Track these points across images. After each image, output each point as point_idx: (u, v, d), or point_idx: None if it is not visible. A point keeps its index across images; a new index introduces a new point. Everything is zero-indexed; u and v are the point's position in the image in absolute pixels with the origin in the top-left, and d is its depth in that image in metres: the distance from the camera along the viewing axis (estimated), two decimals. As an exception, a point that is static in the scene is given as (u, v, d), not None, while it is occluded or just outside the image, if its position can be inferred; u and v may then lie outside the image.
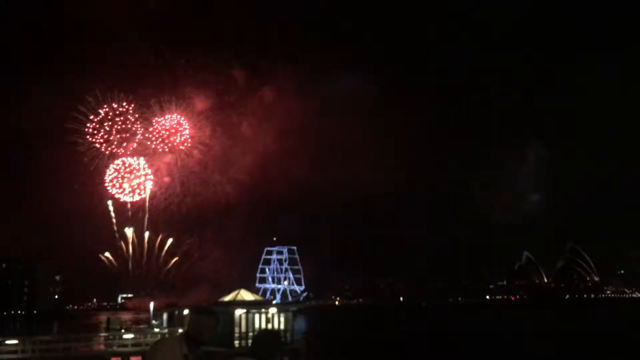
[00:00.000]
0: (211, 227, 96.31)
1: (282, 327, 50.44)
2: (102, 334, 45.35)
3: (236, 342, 45.06)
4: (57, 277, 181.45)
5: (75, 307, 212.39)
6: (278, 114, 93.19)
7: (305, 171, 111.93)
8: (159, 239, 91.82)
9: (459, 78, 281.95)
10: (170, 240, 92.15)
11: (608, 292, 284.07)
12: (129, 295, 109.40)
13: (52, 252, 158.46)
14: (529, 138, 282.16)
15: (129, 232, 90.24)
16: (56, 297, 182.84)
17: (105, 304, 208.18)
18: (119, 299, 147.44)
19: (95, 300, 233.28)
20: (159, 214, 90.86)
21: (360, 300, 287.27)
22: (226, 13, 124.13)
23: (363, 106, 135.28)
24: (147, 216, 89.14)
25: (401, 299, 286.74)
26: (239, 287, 60.17)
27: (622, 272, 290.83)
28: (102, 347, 42.31)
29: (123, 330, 50.91)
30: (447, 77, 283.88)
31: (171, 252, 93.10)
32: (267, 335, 4.92)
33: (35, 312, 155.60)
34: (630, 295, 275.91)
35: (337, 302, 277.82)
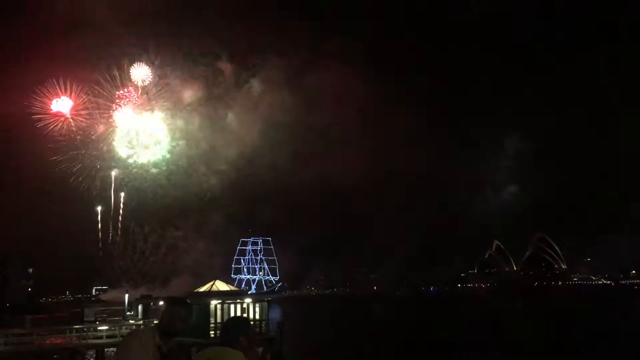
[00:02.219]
0: (192, 218, 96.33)
1: (257, 317, 51.20)
2: (76, 326, 45.16)
3: (212, 333, 45.53)
4: (29, 270, 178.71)
5: (49, 299, 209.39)
6: (264, 107, 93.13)
7: (285, 162, 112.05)
8: (145, 232, 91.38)
9: (441, 71, 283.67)
10: (149, 232, 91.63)
11: (575, 279, 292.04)
12: (104, 287, 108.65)
13: (23, 244, 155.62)
14: (503, 130, 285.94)
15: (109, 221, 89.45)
16: (29, 289, 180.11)
17: (80, 296, 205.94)
18: (93, 291, 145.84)
19: (68, 292, 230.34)
20: (143, 206, 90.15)
21: (335, 290, 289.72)
22: (215, 5, 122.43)
23: (344, 99, 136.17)
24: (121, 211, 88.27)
25: (375, 288, 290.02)
26: (216, 277, 60.64)
27: (589, 259, 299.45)
28: (75, 339, 42.19)
29: (97, 322, 50.94)
30: (432, 72, 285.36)
31: (155, 244, 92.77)
32: (234, 322, 4.94)
33: (7, 305, 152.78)
34: (596, 282, 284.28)
35: (312, 292, 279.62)
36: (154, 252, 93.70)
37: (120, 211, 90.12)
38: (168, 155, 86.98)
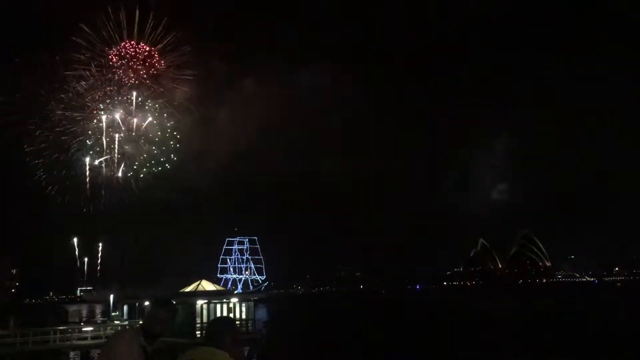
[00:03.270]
0: (179, 218, 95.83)
1: (243, 316, 51.24)
2: (61, 327, 44.74)
3: (197, 333, 45.41)
4: (14, 271, 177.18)
5: (33, 300, 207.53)
6: (255, 107, 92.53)
7: (273, 163, 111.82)
8: (131, 232, 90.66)
9: (434, 71, 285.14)
10: (135, 232, 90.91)
11: (559, 276, 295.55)
12: (88, 288, 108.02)
13: (8, 245, 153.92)
14: (490, 130, 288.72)
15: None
16: (13, 290, 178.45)
17: (64, 297, 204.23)
18: (78, 291, 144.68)
19: (52, 293, 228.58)
20: (130, 205, 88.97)
21: (321, 288, 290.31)
22: (207, 5, 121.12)
23: (335, 100, 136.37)
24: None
25: (361, 286, 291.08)
26: (202, 277, 60.54)
27: (573, 257, 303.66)
28: (59, 340, 41.80)
29: (82, 323, 50.61)
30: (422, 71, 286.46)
31: (141, 244, 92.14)
32: (220, 322, 4.91)
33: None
34: (579, 279, 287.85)
35: (299, 291, 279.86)
36: (140, 252, 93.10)
37: (107, 212, 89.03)
38: (174, 158, 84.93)
